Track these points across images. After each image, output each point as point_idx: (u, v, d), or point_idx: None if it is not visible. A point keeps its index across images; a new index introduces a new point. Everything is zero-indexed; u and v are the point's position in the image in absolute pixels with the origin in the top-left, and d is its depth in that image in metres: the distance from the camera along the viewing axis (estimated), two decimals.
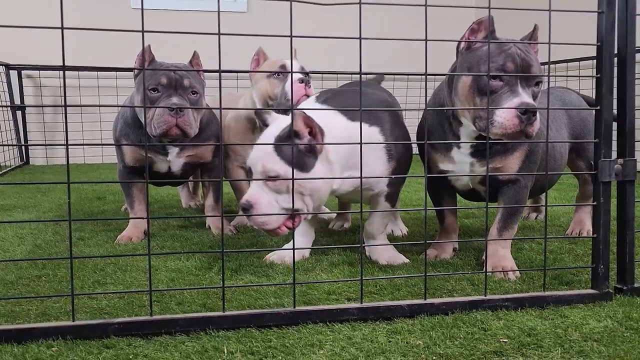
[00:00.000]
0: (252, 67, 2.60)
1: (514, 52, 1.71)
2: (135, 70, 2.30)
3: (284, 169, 1.73)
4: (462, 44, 1.81)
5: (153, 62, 2.29)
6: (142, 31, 1.32)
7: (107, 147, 5.59)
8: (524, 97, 1.65)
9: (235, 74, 6.00)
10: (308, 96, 2.39)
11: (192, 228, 2.61)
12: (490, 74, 1.67)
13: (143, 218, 1.45)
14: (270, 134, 1.81)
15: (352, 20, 5.76)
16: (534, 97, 1.72)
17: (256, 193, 1.76)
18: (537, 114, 1.65)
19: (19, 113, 5.79)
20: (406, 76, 6.44)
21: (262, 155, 1.77)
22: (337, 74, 6.18)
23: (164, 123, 2.14)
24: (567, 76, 1.68)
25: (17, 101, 5.82)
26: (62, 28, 1.26)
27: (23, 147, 5.82)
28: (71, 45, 5.61)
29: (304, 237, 2.09)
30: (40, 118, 5.91)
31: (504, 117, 1.64)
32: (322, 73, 6.17)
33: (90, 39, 5.58)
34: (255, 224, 1.77)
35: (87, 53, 5.59)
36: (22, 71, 5.83)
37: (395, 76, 6.38)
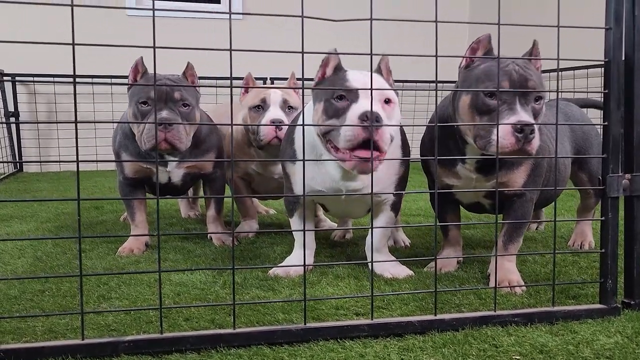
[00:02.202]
0: (241, 92, 2.63)
1: (511, 69, 1.70)
2: (129, 80, 2.29)
3: (395, 99, 1.85)
4: (463, 62, 1.82)
5: (145, 74, 2.28)
6: (154, 47, 1.31)
7: (101, 154, 5.55)
8: (521, 114, 1.64)
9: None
10: (279, 139, 2.35)
11: (193, 239, 2.59)
12: (486, 93, 1.68)
13: (154, 235, 1.44)
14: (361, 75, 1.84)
15: (349, 30, 5.78)
16: (536, 114, 1.71)
17: (378, 109, 1.74)
18: (537, 131, 1.64)
19: (12, 119, 5.75)
20: (402, 85, 6.47)
21: (378, 79, 1.83)
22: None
23: (153, 137, 2.12)
24: (558, 90, 1.69)
25: (11, 108, 5.78)
26: (73, 44, 1.25)
27: (16, 154, 5.77)
28: (66, 52, 5.58)
29: (307, 249, 2.08)
30: (34, 125, 5.87)
31: (501, 135, 1.63)
32: None
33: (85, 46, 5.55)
34: (380, 139, 1.69)
35: (82, 59, 5.58)
36: (16, 78, 5.80)
37: None
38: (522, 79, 1.70)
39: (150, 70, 2.34)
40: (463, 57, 1.75)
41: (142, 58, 2.26)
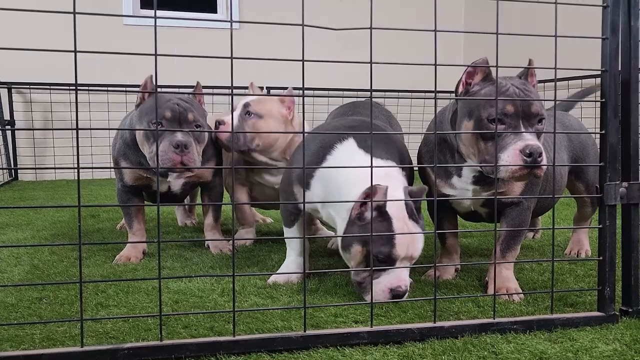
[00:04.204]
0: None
1: (512, 93, 1.71)
2: (137, 100, 2.29)
3: None
4: (460, 88, 1.81)
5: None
6: (155, 54, 1.31)
7: (97, 163, 5.54)
8: (528, 139, 1.65)
9: (228, 90, 6.00)
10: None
11: (190, 247, 2.59)
12: (490, 119, 1.68)
13: (154, 242, 1.44)
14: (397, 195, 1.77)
15: (346, 36, 5.80)
16: (539, 135, 1.72)
17: (407, 277, 1.76)
18: (544, 154, 1.65)
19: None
20: (396, 95, 6.49)
21: (417, 244, 1.76)
22: (349, 90, 6.20)
23: (169, 160, 2.13)
24: (555, 100, 1.70)
25: (7, 116, 5.76)
26: (75, 52, 1.26)
27: (12, 163, 5.75)
28: (62, 61, 5.58)
29: (302, 256, 2.06)
30: (30, 133, 5.86)
31: (509, 161, 1.63)
32: (338, 90, 6.22)
33: (82, 54, 5.55)
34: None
35: (78, 68, 5.57)
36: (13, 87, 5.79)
37: (386, 93, 6.42)
38: (524, 102, 1.70)
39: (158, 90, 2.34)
40: (459, 65, 1.75)
41: (151, 77, 2.22)
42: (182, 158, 2.14)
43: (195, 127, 2.24)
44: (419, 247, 1.76)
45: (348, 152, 1.89)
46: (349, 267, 1.82)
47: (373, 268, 1.67)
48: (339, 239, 1.80)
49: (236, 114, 2.48)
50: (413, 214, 1.78)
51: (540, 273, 2.14)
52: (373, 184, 1.69)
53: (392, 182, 1.78)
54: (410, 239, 1.72)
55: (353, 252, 1.74)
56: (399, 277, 1.73)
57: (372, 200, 1.68)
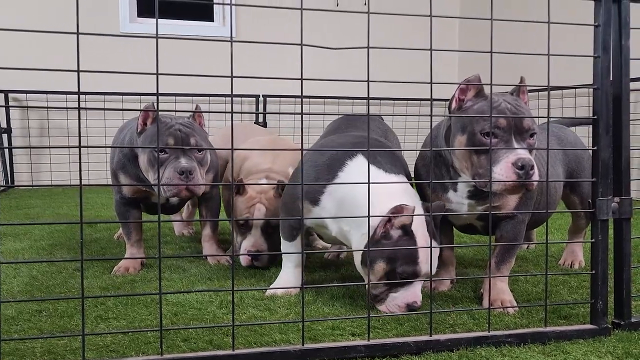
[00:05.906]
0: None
1: (505, 108, 1.75)
2: (139, 128, 2.30)
3: None
4: (454, 104, 1.84)
5: (158, 120, 2.26)
6: (157, 74, 1.34)
7: (93, 171, 5.55)
8: (520, 152, 1.69)
9: (224, 98, 6.03)
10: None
11: (187, 258, 2.60)
12: (483, 132, 1.71)
13: (154, 258, 1.46)
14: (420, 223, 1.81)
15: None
16: (531, 150, 1.76)
17: (420, 292, 1.80)
18: (535, 167, 1.69)
19: (4, 135, 5.73)
20: (393, 104, 6.54)
21: (435, 262, 1.82)
22: (345, 99, 6.25)
23: (174, 187, 2.17)
24: (549, 117, 1.73)
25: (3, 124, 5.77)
26: (78, 71, 1.28)
27: (8, 170, 5.76)
28: (58, 66, 5.59)
29: (299, 267, 2.08)
30: (26, 140, 5.86)
31: (502, 174, 1.67)
32: (335, 98, 6.26)
33: (80, 60, 5.55)
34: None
35: (73, 75, 5.58)
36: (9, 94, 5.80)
37: (382, 101, 6.46)
38: (516, 117, 1.73)
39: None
40: (454, 83, 1.79)
41: (153, 103, 2.23)
42: (187, 184, 2.17)
43: (198, 151, 2.26)
44: (435, 265, 1.83)
45: (359, 168, 1.90)
46: (347, 280, 1.85)
47: (391, 283, 1.75)
48: (358, 254, 1.84)
49: (258, 236, 2.39)
50: (433, 231, 1.84)
51: (534, 284, 2.17)
52: (397, 203, 1.74)
53: (412, 199, 1.84)
54: (428, 256, 1.78)
55: (376, 268, 1.77)
56: (415, 293, 1.79)
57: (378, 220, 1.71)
